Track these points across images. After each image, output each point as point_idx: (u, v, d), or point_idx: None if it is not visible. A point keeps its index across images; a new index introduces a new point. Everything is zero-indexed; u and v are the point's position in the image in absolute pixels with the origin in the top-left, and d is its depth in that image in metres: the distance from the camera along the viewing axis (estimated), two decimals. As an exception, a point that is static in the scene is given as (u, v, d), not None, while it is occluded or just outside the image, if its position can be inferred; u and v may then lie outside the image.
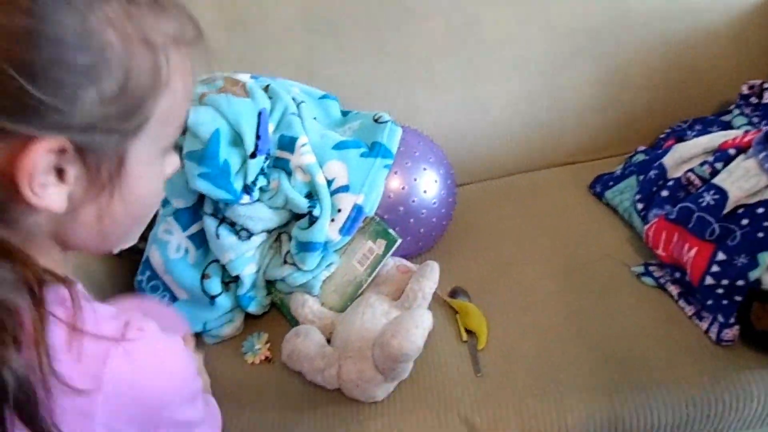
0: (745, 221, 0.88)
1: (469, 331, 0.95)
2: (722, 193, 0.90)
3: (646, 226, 1.00)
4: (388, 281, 0.98)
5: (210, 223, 0.94)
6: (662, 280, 0.96)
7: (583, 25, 1.22)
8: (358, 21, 1.21)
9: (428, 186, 1.02)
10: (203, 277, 0.96)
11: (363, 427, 0.84)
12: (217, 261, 0.97)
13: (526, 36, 1.23)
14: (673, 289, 0.94)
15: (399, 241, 0.97)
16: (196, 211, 0.97)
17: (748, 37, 1.25)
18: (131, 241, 0.52)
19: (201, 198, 0.96)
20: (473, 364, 0.90)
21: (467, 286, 1.03)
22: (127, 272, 1.05)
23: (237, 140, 0.92)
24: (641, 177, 1.11)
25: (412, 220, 1.01)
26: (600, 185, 1.18)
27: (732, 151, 0.96)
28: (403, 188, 1.01)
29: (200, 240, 0.97)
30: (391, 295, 0.96)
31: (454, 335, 0.95)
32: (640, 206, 1.06)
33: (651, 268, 0.99)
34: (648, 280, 0.98)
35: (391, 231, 0.97)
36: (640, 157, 1.18)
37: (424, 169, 1.03)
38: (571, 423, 0.81)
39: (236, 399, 0.89)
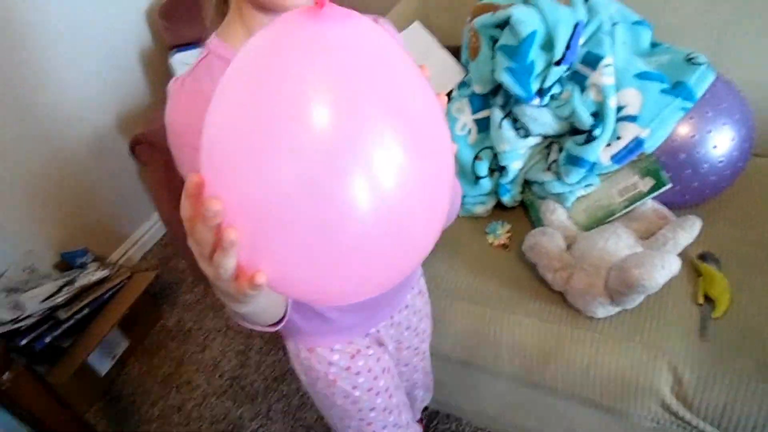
0: None
1: (707, 298, 0.93)
2: None
3: None
4: (641, 220, 0.99)
5: (497, 113, 1.05)
6: None
7: None
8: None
9: (721, 142, 0.97)
10: (476, 158, 1.09)
11: (572, 333, 0.93)
12: (491, 148, 1.08)
13: None
14: None
15: (668, 186, 0.96)
16: (488, 100, 1.08)
17: None
18: None
19: (496, 89, 1.06)
20: (701, 327, 0.90)
21: (720, 255, 0.99)
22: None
23: (548, 45, 0.98)
24: None
25: (689, 171, 0.99)
26: None
27: None
28: (692, 136, 0.97)
29: (484, 125, 1.09)
30: (639, 233, 0.98)
31: (690, 295, 0.95)
32: None
33: None
34: None
35: (663, 173, 0.97)
36: None
37: (724, 124, 0.97)
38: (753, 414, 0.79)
39: (471, 268, 1.04)
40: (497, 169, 1.09)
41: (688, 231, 0.93)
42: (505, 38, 1.00)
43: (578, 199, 1.04)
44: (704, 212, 1.05)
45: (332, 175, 0.32)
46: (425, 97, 0.37)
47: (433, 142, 0.37)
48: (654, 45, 1.12)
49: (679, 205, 1.05)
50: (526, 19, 0.97)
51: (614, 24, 1.04)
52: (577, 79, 1.00)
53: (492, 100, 1.07)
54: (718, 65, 1.03)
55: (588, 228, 1.01)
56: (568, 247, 0.98)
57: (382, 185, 0.33)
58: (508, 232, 1.09)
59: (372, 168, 0.32)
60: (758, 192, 1.09)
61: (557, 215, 1.02)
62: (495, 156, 1.08)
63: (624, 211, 1.00)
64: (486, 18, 1.02)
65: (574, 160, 0.99)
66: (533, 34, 0.96)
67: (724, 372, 0.84)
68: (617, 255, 0.90)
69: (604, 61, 0.98)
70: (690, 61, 1.01)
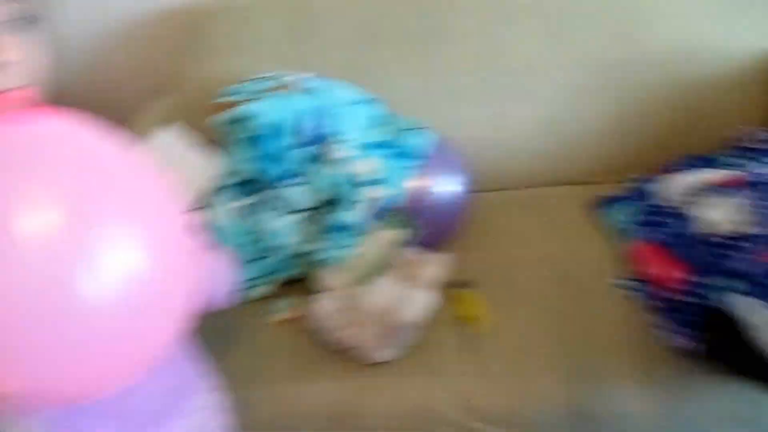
0: (718, 249, 1.01)
1: (466, 318, 1.10)
2: (705, 223, 1.03)
3: (634, 245, 1.14)
4: (403, 267, 1.13)
5: (258, 198, 1.12)
6: (639, 293, 1.09)
7: (605, 63, 1.35)
8: (406, 37, 1.38)
9: (448, 188, 1.18)
10: (245, 242, 1.14)
11: (370, 383, 1.00)
12: (259, 231, 1.14)
13: (551, 66, 1.36)
14: (647, 301, 1.07)
15: (417, 232, 1.12)
16: (248, 186, 1.14)
17: (747, 85, 1.37)
18: None
19: (254, 176, 1.13)
20: (467, 345, 1.05)
21: (473, 279, 1.17)
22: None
23: (287, 131, 1.09)
24: (639, 202, 1.24)
25: (430, 216, 1.17)
26: (604, 205, 1.32)
27: (717, 188, 1.09)
28: (425, 187, 1.16)
29: (249, 210, 1.14)
30: (403, 277, 1.11)
31: (453, 318, 1.10)
32: (634, 228, 1.20)
33: (632, 282, 1.12)
34: (627, 292, 1.11)
35: (411, 222, 1.13)
36: (642, 184, 1.30)
37: (447, 173, 1.19)
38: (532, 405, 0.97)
39: (263, 350, 1.06)
40: (269, 249, 1.15)
41: (438, 265, 1.10)
42: (246, 130, 1.08)
43: (348, 259, 1.14)
44: (455, 247, 1.24)
45: (51, 278, 0.32)
46: (147, 189, 0.38)
47: (162, 232, 0.38)
48: (387, 116, 1.32)
49: (431, 244, 1.23)
50: (262, 112, 1.07)
51: (347, 104, 1.20)
52: (322, 156, 1.13)
53: (252, 187, 1.14)
54: (438, 126, 1.27)
55: (363, 283, 1.12)
56: (348, 305, 1.06)
57: (108, 282, 0.33)
58: (293, 305, 1.14)
59: (95, 266, 0.32)
60: (490, 220, 1.32)
61: (332, 279, 1.10)
62: (264, 237, 1.13)
63: (386, 263, 1.13)
64: (226, 115, 1.10)
65: (334, 227, 1.10)
66: (271, 124, 1.07)
67: (489, 379, 0.99)
68: (387, 302, 1.01)
69: (341, 137, 1.13)
70: (414, 127, 1.22)
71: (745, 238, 0.98)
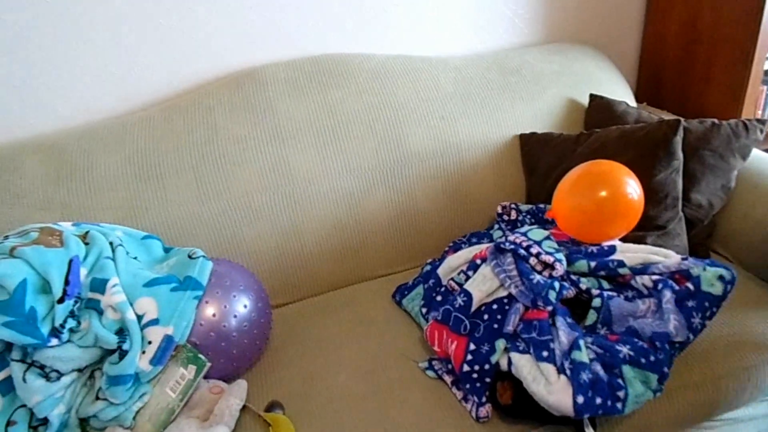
0: (486, 316, 1.11)
1: (280, 441, 1.05)
2: (469, 296, 1.14)
3: (425, 327, 1.20)
4: (201, 404, 1.06)
5: (17, 369, 0.98)
6: (440, 372, 1.15)
7: (375, 164, 1.49)
8: (180, 168, 1.39)
9: (238, 311, 1.16)
10: (8, 424, 0.98)
11: None
12: (24, 405, 0.99)
13: (329, 173, 1.47)
14: (448, 379, 1.13)
15: (208, 364, 1.07)
16: (4, 358, 1.00)
17: (503, 167, 1.61)
18: None
19: (9, 345, 1.01)
20: (280, 471, 0.99)
21: (283, 399, 1.14)
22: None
23: (46, 288, 1.00)
24: (425, 285, 1.33)
25: (223, 344, 1.13)
26: (399, 294, 1.39)
27: (478, 261, 1.22)
28: (214, 315, 1.13)
29: (7, 387, 0.99)
30: (203, 416, 1.04)
31: (267, 446, 1.05)
32: (424, 310, 1.28)
33: (433, 362, 1.18)
34: (430, 372, 1.16)
35: (200, 356, 1.07)
36: (427, 268, 1.42)
37: (234, 296, 1.17)
38: None
39: None
40: (40, 423, 1.00)
41: (237, 394, 1.05)
42: (-4, 295, 0.97)
43: (139, 412, 1.04)
44: (260, 369, 1.22)
45: None
46: None
47: None
48: (167, 250, 1.28)
49: (235, 373, 1.18)
50: (11, 272, 0.97)
51: (117, 246, 1.15)
52: (93, 306, 1.05)
53: (8, 357, 1.01)
54: (225, 250, 1.27)
55: (157, 435, 1.02)
56: (138, 466, 0.96)
57: None
58: (77, 482, 0.99)
59: None
60: (294, 333, 1.33)
61: (120, 440, 0.99)
62: (32, 411, 0.99)
63: (182, 404, 1.05)
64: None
65: (116, 380, 1.00)
66: (23, 282, 0.97)
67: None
68: (182, 449, 0.93)
69: (110, 282, 1.06)
70: (191, 257, 1.19)
71: (500, 301, 1.10)
